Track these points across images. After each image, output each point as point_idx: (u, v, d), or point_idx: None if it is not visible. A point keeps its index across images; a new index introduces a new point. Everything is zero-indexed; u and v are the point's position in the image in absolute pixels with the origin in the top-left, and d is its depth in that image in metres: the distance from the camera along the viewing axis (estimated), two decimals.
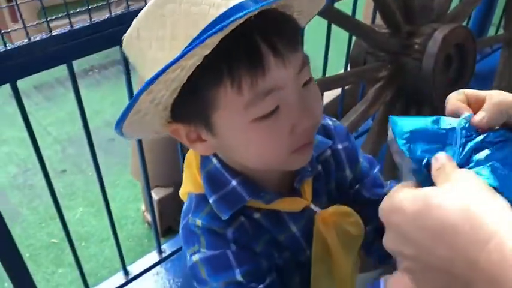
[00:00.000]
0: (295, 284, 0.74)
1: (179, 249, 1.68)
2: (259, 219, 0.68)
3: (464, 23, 2.02)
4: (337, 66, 1.96)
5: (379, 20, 1.80)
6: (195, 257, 0.66)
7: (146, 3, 0.58)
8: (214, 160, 0.67)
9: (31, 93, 3.00)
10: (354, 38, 1.70)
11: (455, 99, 0.55)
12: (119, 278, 1.59)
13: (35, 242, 2.03)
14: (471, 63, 1.59)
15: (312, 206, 0.70)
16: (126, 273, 1.59)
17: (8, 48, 0.96)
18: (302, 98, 0.59)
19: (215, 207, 0.65)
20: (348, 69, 1.85)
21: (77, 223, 2.11)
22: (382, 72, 1.52)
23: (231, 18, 0.50)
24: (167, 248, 1.68)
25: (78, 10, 1.03)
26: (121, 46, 1.14)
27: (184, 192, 0.72)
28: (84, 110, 1.23)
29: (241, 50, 0.53)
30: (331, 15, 1.39)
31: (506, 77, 2.07)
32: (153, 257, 1.65)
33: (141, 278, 1.62)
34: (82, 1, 1.06)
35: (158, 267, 1.67)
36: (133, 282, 1.61)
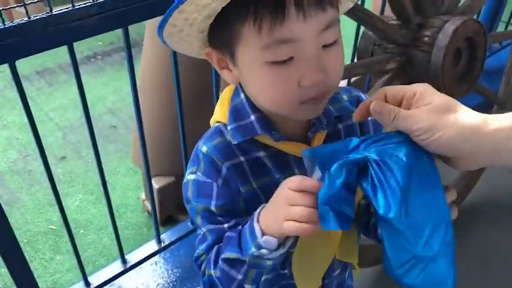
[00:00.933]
0: None
1: (178, 239, 1.66)
2: (263, 158, 0.73)
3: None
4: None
5: (387, 12, 1.77)
6: (190, 177, 0.74)
7: None
8: (242, 95, 0.73)
9: (33, 78, 2.98)
10: (361, 29, 1.67)
11: (376, 97, 0.65)
12: (117, 266, 1.57)
13: (33, 228, 2.02)
14: (481, 57, 1.56)
15: None
16: (124, 261, 1.57)
17: (7, 26, 0.92)
18: (318, 56, 0.62)
19: (231, 133, 0.72)
20: (355, 61, 1.81)
21: (76, 210, 2.10)
22: (390, 64, 1.49)
23: None
24: (166, 237, 1.66)
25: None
26: (125, 29, 1.13)
27: (213, 120, 0.78)
28: (85, 95, 1.20)
29: None
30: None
31: None
32: (152, 246, 1.63)
33: (139, 267, 1.60)
34: None
35: (157, 256, 1.65)
36: (132, 271, 1.59)
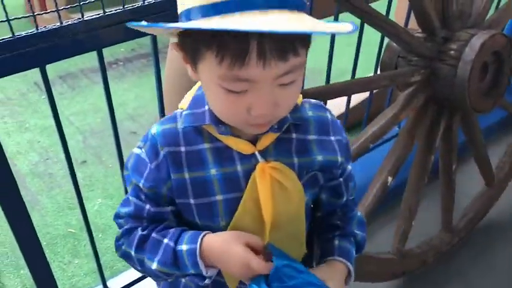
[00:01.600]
0: (195, 225, 0.81)
1: None
2: (206, 150, 0.76)
3: None
4: (365, 70, 1.92)
5: (411, 25, 1.76)
6: (135, 150, 0.79)
7: None
8: None
9: (56, 82, 3.02)
10: (385, 41, 1.66)
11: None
12: (136, 271, 1.57)
13: (52, 231, 2.03)
14: (507, 72, 1.54)
15: (257, 154, 0.76)
16: None
17: (39, 31, 0.94)
18: (271, 93, 0.65)
19: (183, 117, 0.76)
20: (378, 72, 1.80)
21: (95, 214, 2.11)
22: (415, 77, 1.47)
23: (251, 28, 0.56)
24: None
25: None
26: (153, 36, 1.14)
27: (179, 106, 0.81)
28: (111, 99, 1.21)
29: (236, 36, 0.59)
30: (366, 14, 1.35)
31: None
32: None
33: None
34: None
35: None
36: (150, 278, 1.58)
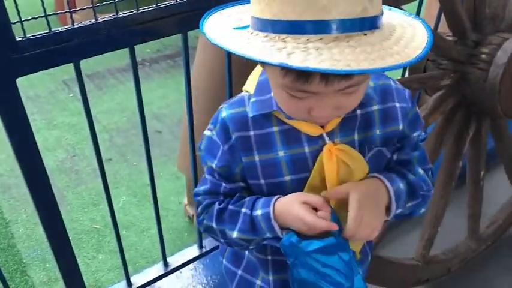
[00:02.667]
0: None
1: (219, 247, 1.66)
2: (274, 133, 0.79)
3: None
4: (393, 74, 1.90)
5: (441, 28, 1.74)
6: (207, 132, 0.83)
7: None
8: None
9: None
10: None
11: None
12: (158, 268, 1.59)
13: (77, 226, 2.07)
14: None
15: (324, 135, 0.78)
16: (166, 264, 1.59)
17: (75, 26, 0.96)
18: (335, 99, 0.67)
19: (250, 106, 0.79)
20: (406, 75, 1.78)
21: (119, 211, 2.13)
22: (445, 81, 1.45)
23: (324, 69, 0.58)
24: (208, 243, 1.66)
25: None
26: (185, 34, 1.15)
27: (244, 89, 0.83)
28: (141, 98, 1.23)
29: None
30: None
31: None
32: (193, 250, 1.64)
33: (179, 271, 1.61)
34: None
35: (197, 262, 1.66)
36: (172, 275, 1.60)
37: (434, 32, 1.46)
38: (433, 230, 1.66)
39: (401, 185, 0.83)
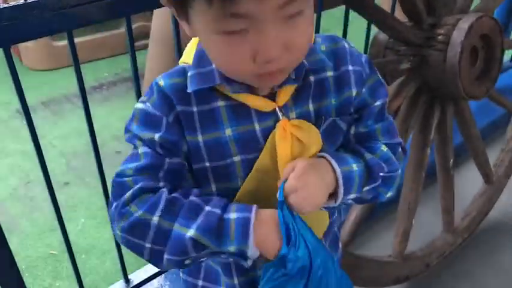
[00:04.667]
0: (210, 189, 0.73)
1: None
2: (220, 108, 0.69)
3: None
4: None
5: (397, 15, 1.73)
6: (138, 105, 0.70)
7: None
8: None
9: (38, 109, 2.95)
10: (371, 37, 1.62)
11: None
12: (120, 286, 1.47)
13: (32, 254, 1.92)
14: (498, 57, 1.50)
15: (277, 110, 0.70)
16: (127, 281, 1.47)
17: (2, 7, 0.87)
18: (277, 30, 0.57)
19: (189, 79, 0.67)
20: None
21: (78, 235, 2.00)
22: (404, 65, 1.43)
23: None
24: None
25: None
26: (127, 18, 1.08)
27: (180, 61, 0.73)
28: (90, 115, 1.17)
29: None
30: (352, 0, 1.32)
31: None
32: None
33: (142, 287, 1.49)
34: None
35: (161, 277, 1.54)
36: None
37: (391, 15, 1.45)
38: (407, 223, 1.60)
39: (355, 166, 0.73)
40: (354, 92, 0.74)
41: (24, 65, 3.37)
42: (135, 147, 0.69)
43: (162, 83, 0.69)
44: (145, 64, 2.00)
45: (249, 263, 0.66)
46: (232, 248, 0.64)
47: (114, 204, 0.67)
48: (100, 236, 1.99)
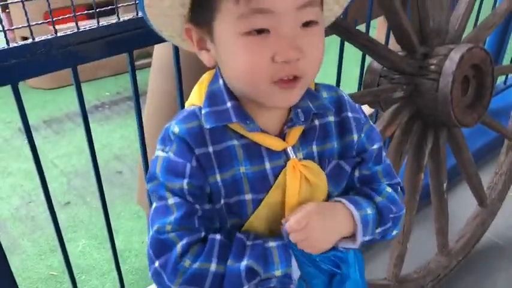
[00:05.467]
0: (226, 225, 0.76)
1: None
2: (235, 147, 0.72)
3: None
4: (348, 88, 1.92)
5: (391, 46, 1.78)
6: (160, 153, 0.72)
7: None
8: (221, 81, 0.73)
9: (40, 128, 2.99)
10: (366, 65, 1.67)
11: None
12: None
13: (33, 275, 1.94)
14: (489, 85, 1.54)
15: (289, 150, 0.74)
16: None
17: (10, 47, 0.92)
18: (295, 34, 0.63)
19: (204, 117, 0.70)
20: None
21: (79, 255, 2.03)
22: (397, 93, 1.47)
23: None
24: None
25: (85, 12, 1.00)
26: (130, 53, 1.12)
27: (188, 103, 0.77)
28: (91, 136, 1.19)
29: None
30: (348, 32, 1.37)
31: None
32: None
33: None
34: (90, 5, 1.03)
35: None
36: None
37: (385, 47, 1.50)
38: (402, 246, 1.63)
39: (369, 210, 0.78)
40: (356, 137, 0.81)
41: (27, 84, 3.43)
42: (162, 199, 0.71)
43: (177, 129, 0.71)
44: (146, 82, 2.05)
45: (294, 284, 0.73)
46: (278, 272, 0.71)
47: (161, 262, 0.70)
48: (100, 257, 2.01)
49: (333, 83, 1.68)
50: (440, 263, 1.81)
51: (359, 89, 1.83)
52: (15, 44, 0.93)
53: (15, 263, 1.96)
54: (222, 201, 0.73)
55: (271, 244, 0.71)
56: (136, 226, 2.18)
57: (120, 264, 1.46)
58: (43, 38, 0.96)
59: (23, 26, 0.94)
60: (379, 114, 1.99)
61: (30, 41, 0.95)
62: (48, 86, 3.43)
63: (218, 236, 0.71)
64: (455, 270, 1.86)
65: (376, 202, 0.81)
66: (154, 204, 0.72)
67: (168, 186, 0.70)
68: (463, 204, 1.99)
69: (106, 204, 1.34)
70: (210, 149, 0.71)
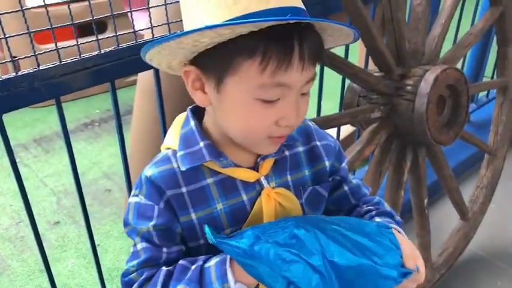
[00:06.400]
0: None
1: None
2: (210, 185, 0.75)
3: None
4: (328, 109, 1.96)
5: (371, 67, 1.83)
6: (132, 199, 0.76)
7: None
8: (192, 123, 0.77)
9: (30, 146, 3.01)
10: (346, 84, 1.71)
11: None
12: None
13: None
14: (465, 104, 1.59)
15: (262, 179, 0.78)
16: None
17: None
18: (298, 102, 0.70)
19: (179, 160, 0.74)
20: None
21: (68, 275, 2.04)
22: (375, 113, 1.51)
23: (288, 16, 0.61)
24: None
25: (67, 46, 1.04)
26: (112, 83, 1.16)
27: (163, 146, 0.80)
28: (74, 157, 1.23)
29: (280, 40, 0.63)
30: (326, 57, 1.41)
31: (502, 123, 2.06)
32: None
33: None
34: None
35: None
36: None
37: (362, 69, 1.54)
38: None
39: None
40: (327, 163, 0.87)
41: None
42: (134, 244, 0.76)
43: (149, 173, 0.74)
44: (134, 99, 2.09)
45: None
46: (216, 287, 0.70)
47: None
48: (89, 276, 2.02)
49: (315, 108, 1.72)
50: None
51: (340, 109, 1.88)
52: None
53: (4, 283, 1.98)
54: (202, 241, 0.77)
55: (211, 263, 0.71)
56: (125, 245, 2.20)
57: (108, 284, 1.48)
58: (25, 72, 0.99)
59: (6, 61, 0.98)
60: (361, 132, 2.03)
61: (13, 74, 0.98)
62: (39, 104, 3.44)
63: (164, 268, 0.73)
64: (439, 283, 1.89)
65: (396, 220, 0.90)
66: (130, 249, 0.77)
67: (139, 231, 0.74)
68: (445, 218, 2.04)
69: (90, 225, 1.36)
70: (184, 189, 0.74)
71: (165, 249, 0.74)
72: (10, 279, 2.04)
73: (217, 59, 0.67)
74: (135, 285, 0.74)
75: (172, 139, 0.78)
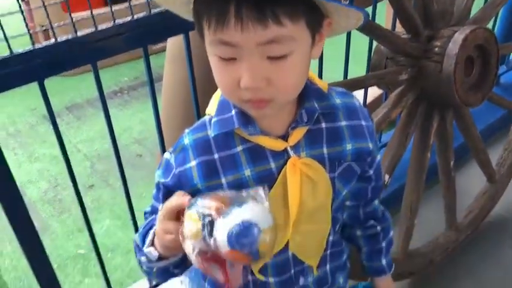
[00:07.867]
0: None
1: None
2: (239, 152, 0.77)
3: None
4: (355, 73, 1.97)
5: (398, 29, 1.81)
6: (166, 155, 0.81)
7: None
8: None
9: (62, 114, 3.12)
10: (374, 46, 1.71)
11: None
12: (143, 284, 1.60)
13: (62, 253, 2.08)
14: (494, 65, 1.57)
15: (289, 149, 0.78)
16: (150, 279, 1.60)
17: (36, 47, 1.00)
18: (259, 65, 0.65)
19: (212, 126, 0.77)
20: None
21: (104, 235, 2.15)
22: (403, 76, 1.52)
23: None
24: None
25: (102, 12, 1.07)
26: (145, 48, 1.20)
27: (206, 111, 0.82)
28: (111, 121, 1.27)
29: (218, 3, 0.62)
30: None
31: None
32: None
33: (165, 284, 1.62)
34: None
35: (184, 275, 1.67)
36: None
37: (389, 31, 1.54)
38: (410, 222, 1.70)
39: (384, 261, 1.04)
40: (370, 145, 0.86)
41: None
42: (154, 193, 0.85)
43: (186, 140, 0.79)
44: (163, 66, 2.13)
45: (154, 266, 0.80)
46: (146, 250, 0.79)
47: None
48: (124, 236, 2.13)
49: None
50: (449, 237, 1.87)
51: (368, 71, 1.88)
52: (40, 46, 1.01)
53: (45, 243, 2.08)
54: None
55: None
56: None
57: None
58: (64, 38, 1.04)
59: (46, 28, 1.02)
60: (388, 94, 2.03)
61: (52, 41, 1.03)
62: (69, 73, 3.54)
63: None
64: (464, 243, 1.92)
65: (382, 246, 1.03)
66: None
67: (157, 182, 0.82)
68: (471, 181, 2.04)
69: (127, 186, 1.43)
70: (216, 155, 0.77)
71: (160, 206, 0.80)
72: (51, 238, 2.16)
73: (197, 12, 0.69)
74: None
75: (212, 104, 0.80)
